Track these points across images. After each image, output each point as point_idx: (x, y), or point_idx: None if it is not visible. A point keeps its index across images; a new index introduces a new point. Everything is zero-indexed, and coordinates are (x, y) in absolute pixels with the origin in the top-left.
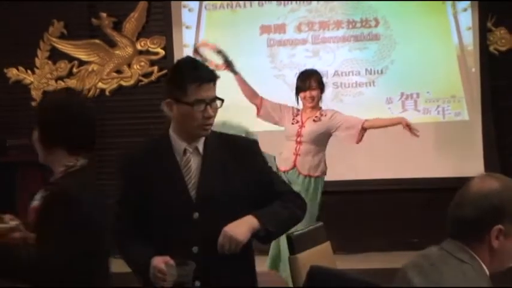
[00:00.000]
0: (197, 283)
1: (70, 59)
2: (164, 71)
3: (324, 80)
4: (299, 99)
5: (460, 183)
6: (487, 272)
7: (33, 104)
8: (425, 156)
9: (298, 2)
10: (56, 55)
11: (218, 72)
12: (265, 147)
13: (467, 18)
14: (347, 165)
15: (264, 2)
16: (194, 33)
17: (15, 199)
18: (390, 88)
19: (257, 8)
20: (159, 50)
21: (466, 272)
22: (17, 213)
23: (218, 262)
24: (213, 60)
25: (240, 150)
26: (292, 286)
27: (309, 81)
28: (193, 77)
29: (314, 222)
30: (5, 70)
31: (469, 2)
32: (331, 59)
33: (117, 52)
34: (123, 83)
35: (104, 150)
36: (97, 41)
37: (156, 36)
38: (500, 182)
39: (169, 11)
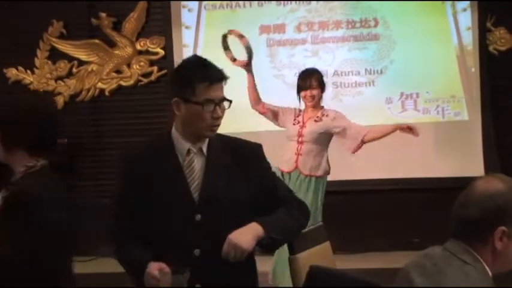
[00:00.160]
0: (198, 286)
1: (70, 59)
2: (164, 71)
3: (324, 79)
4: (300, 98)
5: (459, 183)
6: (490, 273)
7: None
8: (425, 156)
9: (297, 2)
10: (55, 55)
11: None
12: (265, 147)
13: (466, 18)
14: (347, 165)
15: (263, 2)
16: (194, 33)
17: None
18: (390, 88)
19: (256, 8)
20: (158, 50)
21: (468, 273)
22: None
23: (219, 265)
24: (233, 51)
25: (244, 154)
26: (292, 286)
27: (310, 80)
28: (203, 76)
29: (317, 222)
30: (5, 70)
31: (468, 2)
32: (330, 59)
33: (116, 52)
34: (123, 83)
35: (103, 150)
36: (97, 41)
37: (156, 36)
38: (505, 184)
39: (168, 11)
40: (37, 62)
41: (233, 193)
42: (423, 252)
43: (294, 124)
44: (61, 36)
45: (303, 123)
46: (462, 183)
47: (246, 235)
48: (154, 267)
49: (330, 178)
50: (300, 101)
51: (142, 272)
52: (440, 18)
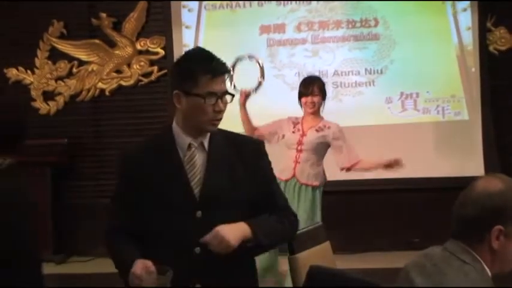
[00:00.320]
0: (198, 286)
1: (70, 59)
2: (164, 71)
3: (324, 79)
4: (301, 104)
5: (459, 183)
6: (490, 274)
7: (33, 104)
8: (425, 156)
9: (297, 2)
10: (55, 55)
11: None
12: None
13: (466, 18)
14: None
15: (263, 2)
16: (194, 33)
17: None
18: (390, 88)
19: (257, 8)
20: (158, 50)
21: (468, 273)
22: None
23: (221, 264)
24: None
25: (248, 150)
26: (291, 286)
27: (312, 87)
28: (206, 68)
29: (316, 222)
30: (5, 70)
31: (468, 2)
32: (330, 59)
33: (116, 52)
34: (123, 83)
35: (104, 150)
36: (97, 41)
37: (156, 36)
38: (504, 183)
39: (169, 11)
40: (37, 62)
41: (235, 190)
42: (423, 252)
43: (293, 132)
44: (61, 36)
45: (303, 131)
46: (462, 183)
47: (235, 231)
48: (139, 267)
49: (330, 178)
50: (301, 107)
51: (128, 271)
52: (440, 18)
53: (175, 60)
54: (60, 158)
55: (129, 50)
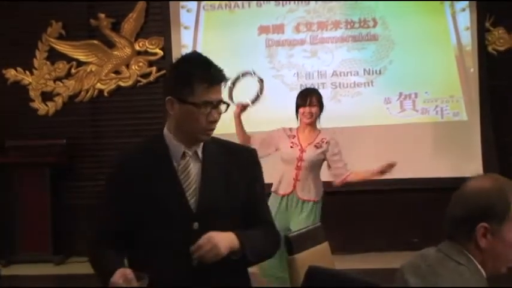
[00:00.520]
0: None
1: (68, 59)
2: (163, 72)
3: (323, 80)
4: (298, 116)
5: (458, 183)
6: (484, 274)
7: (32, 104)
8: (424, 157)
9: (296, 2)
10: (54, 56)
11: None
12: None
13: (465, 18)
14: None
15: (262, 2)
16: (192, 34)
17: (15, 200)
18: (388, 88)
19: (255, 8)
20: (157, 50)
21: (462, 274)
22: (17, 213)
23: (218, 275)
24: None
25: (242, 159)
26: (290, 286)
27: (310, 98)
28: (203, 76)
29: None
30: (4, 71)
31: (467, 2)
32: (329, 59)
33: (115, 53)
34: (122, 84)
35: (102, 151)
36: (95, 41)
37: (155, 36)
38: (493, 182)
39: (167, 12)
40: (36, 62)
41: (231, 199)
42: (419, 252)
43: (292, 147)
44: (60, 37)
45: (302, 147)
46: (461, 184)
47: (225, 241)
48: (118, 276)
49: (329, 178)
50: (297, 118)
51: (107, 281)
52: (439, 19)
53: (173, 61)
54: (59, 158)
55: (128, 50)
